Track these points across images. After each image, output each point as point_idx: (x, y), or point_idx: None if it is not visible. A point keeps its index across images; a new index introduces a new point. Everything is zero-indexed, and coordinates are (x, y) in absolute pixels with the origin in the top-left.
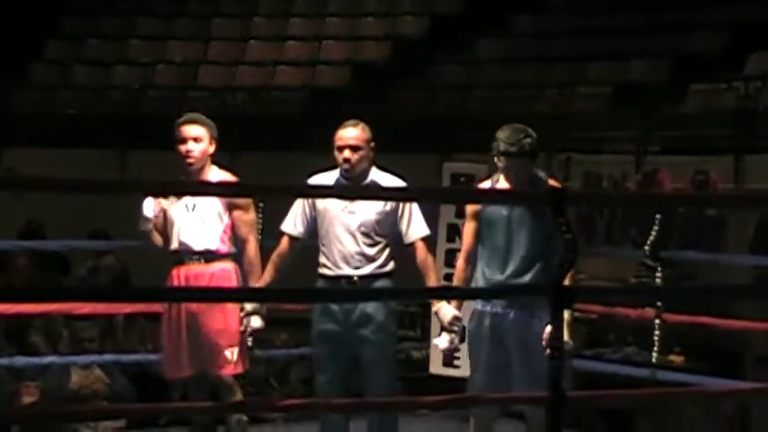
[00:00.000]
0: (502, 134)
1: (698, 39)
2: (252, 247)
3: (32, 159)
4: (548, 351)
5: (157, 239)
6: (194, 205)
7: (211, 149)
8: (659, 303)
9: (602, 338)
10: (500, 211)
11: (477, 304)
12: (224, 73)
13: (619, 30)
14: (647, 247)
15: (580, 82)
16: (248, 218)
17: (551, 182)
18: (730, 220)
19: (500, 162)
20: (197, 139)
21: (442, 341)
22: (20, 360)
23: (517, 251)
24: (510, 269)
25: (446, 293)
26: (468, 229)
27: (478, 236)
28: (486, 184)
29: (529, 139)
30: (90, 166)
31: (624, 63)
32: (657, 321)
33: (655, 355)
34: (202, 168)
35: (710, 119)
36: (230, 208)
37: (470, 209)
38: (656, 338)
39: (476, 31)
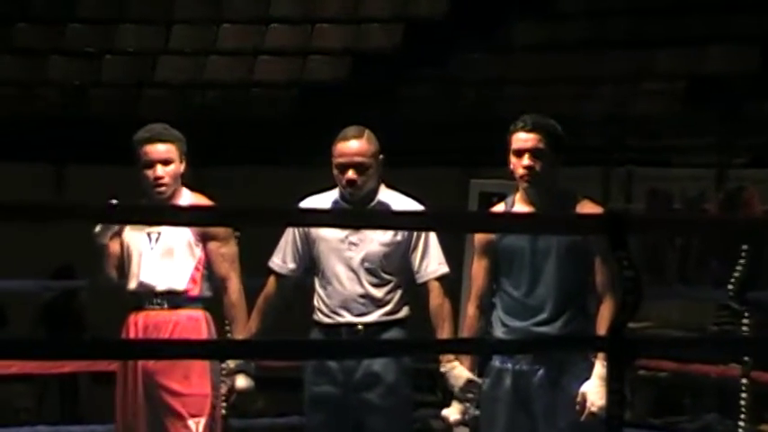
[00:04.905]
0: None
1: None
2: (234, 288)
3: None
4: (583, 417)
5: (112, 272)
6: (159, 235)
7: (182, 169)
8: (747, 358)
9: (675, 403)
10: (520, 241)
11: (496, 360)
12: (190, 65)
13: (693, 8)
14: (730, 287)
15: (644, 75)
16: (228, 251)
17: (588, 202)
18: None
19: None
20: (167, 161)
21: (452, 413)
22: None
23: (545, 292)
24: (536, 315)
25: (477, 348)
26: (480, 266)
27: (493, 274)
28: (499, 208)
29: (551, 122)
30: (18, 184)
31: (700, 50)
32: (745, 381)
33: (742, 423)
34: (173, 194)
35: None
36: (204, 239)
37: (480, 241)
38: (742, 403)
39: (511, 11)
